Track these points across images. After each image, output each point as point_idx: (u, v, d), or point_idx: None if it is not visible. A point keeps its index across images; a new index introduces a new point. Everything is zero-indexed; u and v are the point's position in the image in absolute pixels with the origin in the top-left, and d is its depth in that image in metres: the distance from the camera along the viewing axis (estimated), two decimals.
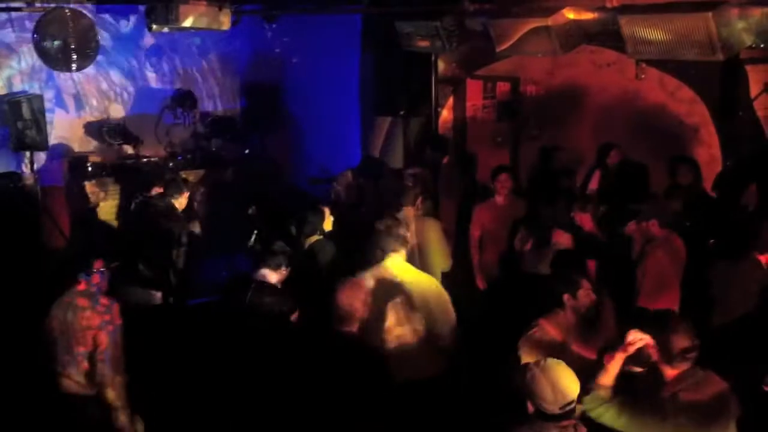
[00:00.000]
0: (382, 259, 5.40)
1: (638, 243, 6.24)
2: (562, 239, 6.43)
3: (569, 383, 3.46)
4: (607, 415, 3.68)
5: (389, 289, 5.23)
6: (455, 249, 7.26)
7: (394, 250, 5.40)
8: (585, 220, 6.44)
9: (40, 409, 5.56)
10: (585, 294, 4.69)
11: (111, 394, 5.02)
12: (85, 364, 5.07)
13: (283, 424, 4.49)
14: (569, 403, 3.44)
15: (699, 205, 7.09)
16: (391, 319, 5.17)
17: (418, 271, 5.53)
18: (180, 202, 7.63)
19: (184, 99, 10.63)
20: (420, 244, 6.49)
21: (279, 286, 5.44)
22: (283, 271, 5.47)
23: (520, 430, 3.50)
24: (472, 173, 8.87)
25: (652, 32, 5.81)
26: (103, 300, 5.17)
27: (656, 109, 8.83)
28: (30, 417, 5.68)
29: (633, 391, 3.75)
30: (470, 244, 7.42)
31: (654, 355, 3.71)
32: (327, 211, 6.44)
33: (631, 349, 3.69)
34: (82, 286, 5.21)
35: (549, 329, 4.65)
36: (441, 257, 6.64)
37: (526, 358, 4.39)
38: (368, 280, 5.21)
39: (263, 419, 4.80)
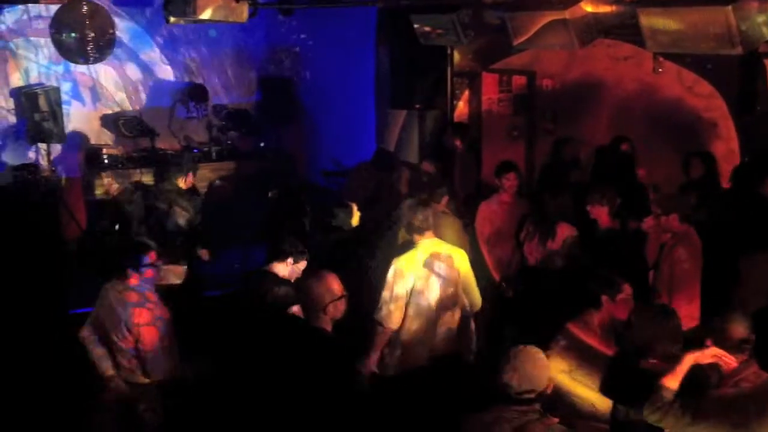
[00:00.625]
0: (414, 242, 5.40)
1: (654, 239, 6.20)
2: (567, 232, 6.40)
3: (536, 371, 3.47)
4: (670, 418, 3.60)
5: (430, 272, 5.27)
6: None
7: (423, 231, 5.38)
8: (602, 213, 6.38)
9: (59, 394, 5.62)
10: (624, 299, 4.62)
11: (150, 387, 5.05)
12: (121, 358, 5.07)
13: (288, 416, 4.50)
14: (529, 391, 3.45)
15: (713, 199, 7.03)
16: (435, 299, 5.25)
17: (449, 245, 5.52)
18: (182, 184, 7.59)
19: (196, 92, 10.65)
20: None
21: (289, 279, 5.47)
22: (290, 263, 5.48)
23: (480, 414, 3.54)
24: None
25: (670, 25, 5.76)
26: (151, 296, 5.11)
27: (674, 103, 8.77)
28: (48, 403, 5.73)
29: (692, 389, 3.69)
30: (480, 241, 7.33)
31: (726, 365, 3.67)
32: (354, 206, 6.49)
33: (706, 360, 3.67)
34: (133, 280, 5.11)
35: (577, 334, 4.59)
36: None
37: (557, 367, 4.36)
38: (403, 264, 5.25)
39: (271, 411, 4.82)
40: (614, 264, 5.92)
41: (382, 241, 6.46)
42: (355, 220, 6.46)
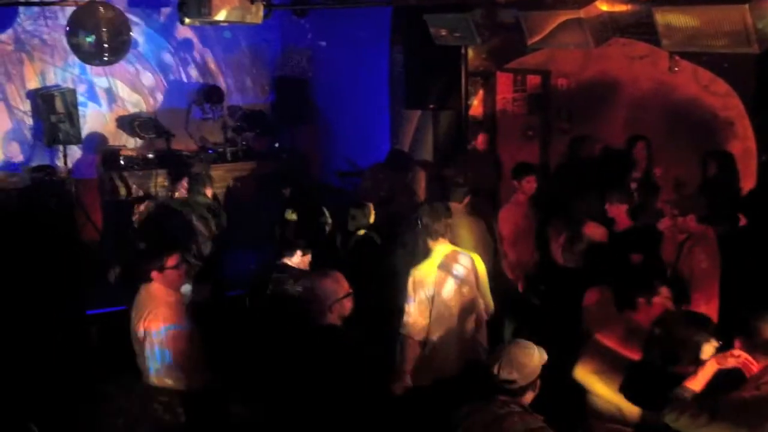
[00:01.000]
0: (429, 247, 5.40)
1: (670, 240, 6.17)
2: (596, 232, 6.35)
3: (524, 363, 3.58)
4: (685, 419, 3.56)
5: (442, 275, 5.26)
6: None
7: (439, 237, 5.38)
8: (619, 213, 6.34)
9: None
10: (661, 302, 4.55)
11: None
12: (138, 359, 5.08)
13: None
14: (513, 382, 3.55)
15: (729, 199, 6.98)
16: (455, 304, 5.26)
17: (464, 250, 5.54)
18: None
19: (211, 94, 10.69)
20: (461, 244, 6.42)
21: (301, 269, 5.53)
22: (300, 254, 5.51)
23: (468, 404, 3.68)
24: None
25: (686, 23, 5.73)
26: (172, 301, 5.09)
27: (690, 102, 8.70)
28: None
29: (716, 392, 3.65)
30: (501, 244, 7.28)
31: (748, 371, 3.64)
32: (371, 206, 6.51)
33: (730, 365, 3.64)
34: (156, 284, 5.09)
35: (605, 342, 4.54)
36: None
37: (587, 368, 4.36)
38: (420, 273, 5.26)
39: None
40: (630, 264, 5.94)
41: (399, 242, 6.45)
42: (372, 219, 6.47)
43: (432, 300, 5.20)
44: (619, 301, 4.77)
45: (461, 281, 5.30)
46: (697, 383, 3.61)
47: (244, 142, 10.72)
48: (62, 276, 8.13)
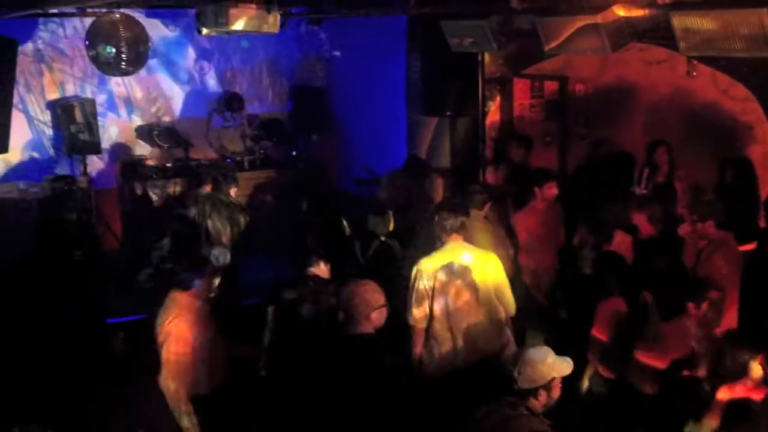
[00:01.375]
0: (442, 243, 5.43)
1: (691, 246, 6.13)
2: (619, 239, 6.32)
3: (537, 368, 3.65)
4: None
5: (451, 274, 5.30)
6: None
7: (453, 233, 5.39)
8: (641, 221, 6.30)
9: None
10: (709, 306, 4.64)
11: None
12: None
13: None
14: (525, 383, 3.62)
15: (744, 204, 6.92)
16: (454, 302, 5.29)
17: (480, 250, 5.52)
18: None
19: (232, 101, 10.73)
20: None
21: (323, 278, 5.57)
22: (322, 264, 5.54)
23: (483, 405, 3.75)
24: None
25: (703, 28, 5.70)
26: (196, 308, 5.12)
27: (708, 107, 8.65)
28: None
29: (740, 414, 3.69)
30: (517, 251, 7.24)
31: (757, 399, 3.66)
32: (390, 213, 6.52)
33: (739, 395, 3.67)
34: (191, 293, 5.12)
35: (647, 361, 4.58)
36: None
37: None
38: (424, 264, 5.30)
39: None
40: (655, 271, 5.90)
41: (412, 246, 6.46)
42: (392, 226, 6.48)
43: (432, 293, 5.25)
44: (666, 309, 4.77)
45: (470, 279, 5.30)
46: (715, 418, 3.78)
47: (261, 151, 10.75)
48: (82, 285, 8.19)
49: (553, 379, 3.69)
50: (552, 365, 3.69)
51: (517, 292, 5.73)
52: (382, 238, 6.39)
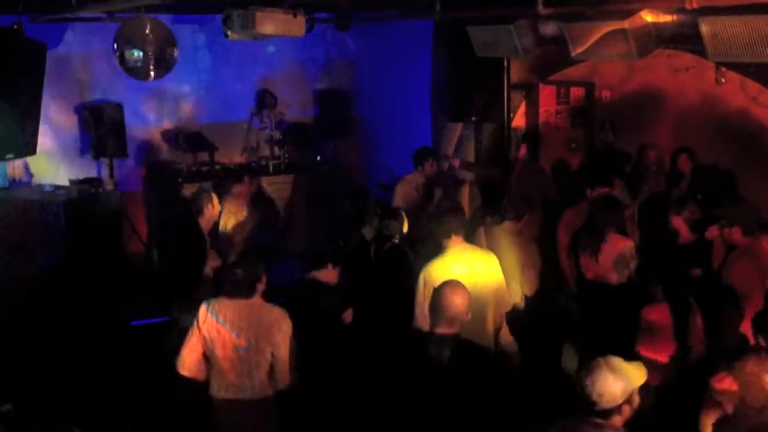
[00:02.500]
0: (443, 245, 5.43)
1: (718, 250, 6.07)
2: (621, 244, 6.29)
3: (613, 384, 3.39)
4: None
5: (453, 273, 5.18)
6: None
7: (452, 234, 5.39)
8: (681, 225, 6.26)
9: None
10: None
11: None
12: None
13: None
14: (595, 403, 3.39)
15: None
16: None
17: (480, 251, 5.54)
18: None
19: (265, 97, 10.77)
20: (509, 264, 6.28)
21: (331, 284, 5.55)
22: (330, 270, 5.54)
23: (560, 422, 3.53)
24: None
25: (733, 34, 5.64)
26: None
27: (737, 114, 8.57)
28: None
29: None
30: (559, 249, 7.18)
31: None
32: (403, 214, 6.50)
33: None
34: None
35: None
36: (517, 267, 6.45)
37: None
38: (431, 270, 5.27)
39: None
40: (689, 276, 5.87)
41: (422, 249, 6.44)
42: (406, 227, 6.45)
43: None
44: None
45: (473, 279, 5.23)
46: None
47: (286, 155, 10.79)
48: (109, 288, 8.26)
49: (634, 390, 3.47)
50: (632, 377, 3.47)
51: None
52: (395, 240, 6.34)
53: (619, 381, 3.41)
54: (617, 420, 3.42)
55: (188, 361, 5.01)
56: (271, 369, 4.95)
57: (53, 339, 7.15)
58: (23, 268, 8.18)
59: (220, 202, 7.38)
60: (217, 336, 4.93)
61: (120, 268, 8.78)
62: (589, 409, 3.40)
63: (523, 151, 9.10)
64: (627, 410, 3.43)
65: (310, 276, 5.53)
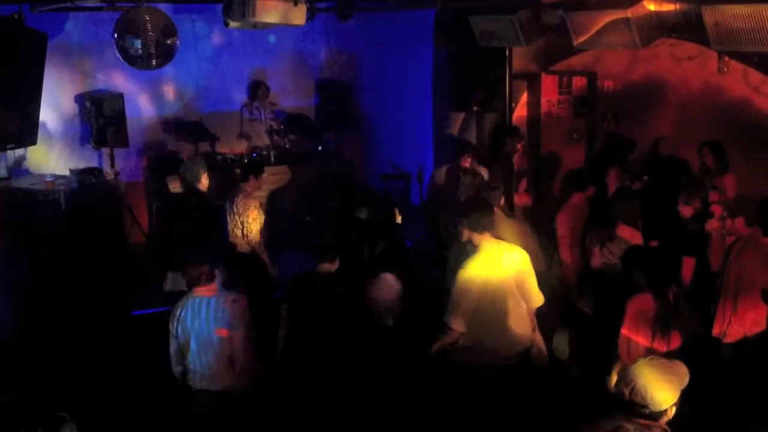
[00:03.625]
0: (474, 243, 5.34)
1: (716, 241, 6.05)
2: (629, 236, 6.27)
3: (654, 388, 3.34)
4: None
5: (489, 271, 5.22)
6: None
7: (485, 231, 5.33)
8: (689, 213, 6.24)
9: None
10: None
11: None
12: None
13: None
14: (645, 406, 3.33)
15: None
16: (497, 298, 5.22)
17: (508, 245, 5.46)
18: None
19: (257, 88, 10.74)
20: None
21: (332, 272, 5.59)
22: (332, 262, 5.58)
23: (601, 420, 3.45)
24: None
25: (736, 23, 5.62)
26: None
27: (740, 104, 8.54)
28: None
29: None
30: (560, 243, 7.13)
31: None
32: (396, 210, 6.48)
33: None
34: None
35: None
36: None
37: None
38: (469, 269, 5.21)
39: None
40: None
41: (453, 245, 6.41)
42: (398, 218, 6.44)
43: (478, 296, 5.16)
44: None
45: (507, 276, 5.24)
46: None
47: (287, 146, 10.77)
48: (110, 278, 8.25)
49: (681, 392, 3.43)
50: (680, 379, 3.42)
51: (547, 288, 5.66)
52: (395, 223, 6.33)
53: (671, 386, 3.37)
54: (663, 421, 3.38)
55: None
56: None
57: (54, 329, 7.14)
58: (24, 258, 8.17)
59: (236, 203, 7.44)
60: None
61: (121, 258, 8.77)
62: (635, 411, 3.35)
63: (519, 146, 9.04)
64: (672, 412, 3.40)
65: (323, 268, 5.53)
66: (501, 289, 5.24)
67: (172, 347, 5.18)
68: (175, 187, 8.71)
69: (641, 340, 5.11)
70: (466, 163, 8.52)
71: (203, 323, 5.07)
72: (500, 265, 5.26)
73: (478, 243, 5.31)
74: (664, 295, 5.05)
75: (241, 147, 10.78)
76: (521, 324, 5.36)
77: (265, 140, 10.76)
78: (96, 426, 5.19)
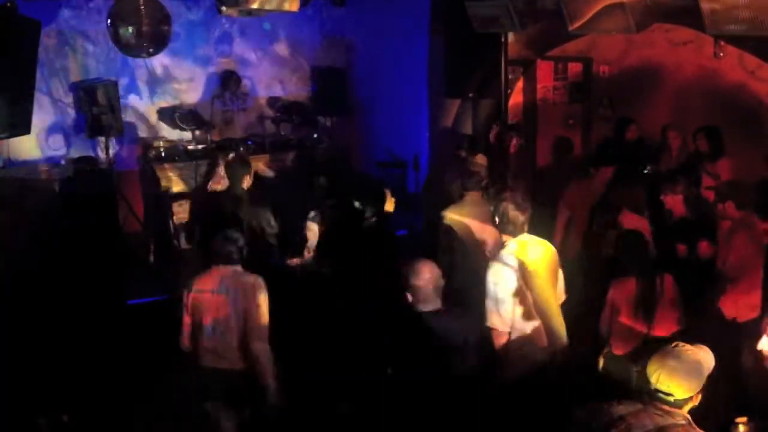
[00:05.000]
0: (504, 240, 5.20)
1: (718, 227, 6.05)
2: (633, 223, 6.25)
3: (682, 375, 3.29)
4: None
5: (524, 266, 5.07)
6: None
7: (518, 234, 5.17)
8: (676, 202, 6.21)
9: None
10: None
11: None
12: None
13: None
14: (668, 394, 3.28)
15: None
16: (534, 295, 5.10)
17: (537, 239, 5.31)
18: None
19: (228, 81, 10.66)
20: (486, 241, 6.26)
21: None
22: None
23: (620, 403, 3.41)
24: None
25: (732, 7, 5.59)
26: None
27: (735, 88, 8.53)
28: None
29: None
30: (558, 221, 7.06)
31: None
32: (388, 193, 6.43)
33: None
34: None
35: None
36: None
37: None
38: (500, 267, 5.04)
39: None
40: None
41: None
42: (389, 206, 6.39)
43: (513, 293, 4.99)
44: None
45: (541, 270, 5.12)
46: None
47: (282, 133, 10.74)
48: (105, 267, 8.22)
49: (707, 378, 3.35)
50: (706, 366, 3.34)
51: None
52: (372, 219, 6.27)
53: (697, 373, 3.31)
54: (687, 408, 3.33)
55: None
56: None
57: (49, 318, 7.12)
58: (19, 247, 8.14)
59: None
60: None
61: (116, 247, 8.74)
62: (660, 398, 3.31)
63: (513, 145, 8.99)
64: (697, 400, 3.34)
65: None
66: (536, 284, 5.08)
67: (185, 323, 5.19)
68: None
69: (625, 322, 5.13)
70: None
71: (221, 300, 5.08)
72: (532, 258, 5.11)
73: (508, 241, 5.13)
74: (651, 280, 5.06)
75: (238, 136, 10.76)
76: (560, 319, 5.26)
77: (237, 132, 10.72)
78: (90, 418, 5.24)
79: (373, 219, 6.20)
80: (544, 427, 4.77)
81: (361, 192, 6.34)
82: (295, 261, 6.40)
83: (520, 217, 5.09)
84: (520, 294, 4.98)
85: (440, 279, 4.46)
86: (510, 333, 5.02)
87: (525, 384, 5.02)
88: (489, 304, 4.99)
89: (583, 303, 5.73)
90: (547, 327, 5.12)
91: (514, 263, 4.99)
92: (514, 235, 5.09)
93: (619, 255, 5.54)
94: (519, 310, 5.00)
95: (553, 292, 5.22)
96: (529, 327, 5.05)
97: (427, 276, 4.41)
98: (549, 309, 5.15)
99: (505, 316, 4.97)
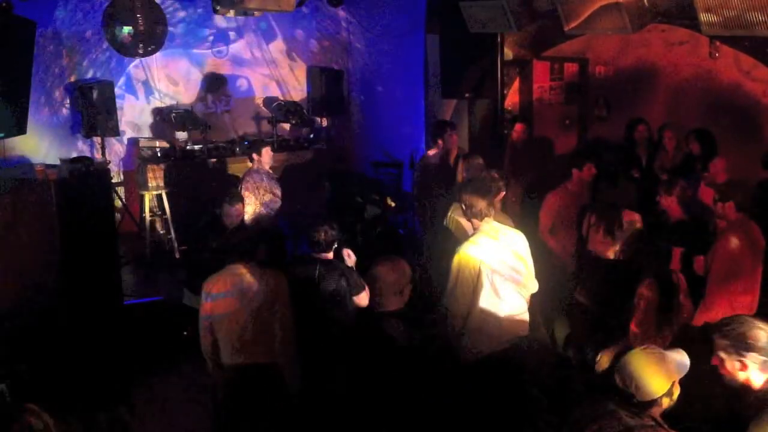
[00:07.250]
0: (474, 227, 5.31)
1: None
2: (634, 218, 6.24)
3: (648, 378, 3.32)
4: None
5: (488, 254, 5.15)
6: None
7: (485, 216, 5.26)
8: (671, 204, 6.20)
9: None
10: None
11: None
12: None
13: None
14: (631, 395, 3.32)
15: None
16: (498, 281, 5.16)
17: (508, 228, 5.42)
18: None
19: (212, 83, 10.66)
20: None
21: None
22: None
23: (592, 405, 3.45)
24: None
25: (726, 8, 5.60)
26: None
27: (731, 88, 8.54)
28: None
29: None
30: (540, 231, 7.03)
31: None
32: (388, 198, 6.45)
33: None
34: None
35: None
36: None
37: None
38: (466, 251, 5.15)
39: None
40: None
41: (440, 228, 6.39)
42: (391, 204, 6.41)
43: (477, 278, 5.08)
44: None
45: (509, 259, 5.19)
46: None
47: (279, 133, 10.74)
48: (101, 267, 8.21)
49: (674, 383, 3.36)
50: (672, 370, 3.36)
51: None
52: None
53: (659, 376, 3.33)
54: (655, 411, 3.34)
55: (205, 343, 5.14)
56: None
57: (45, 318, 7.11)
58: (14, 248, 8.12)
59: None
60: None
61: (112, 248, 8.72)
62: (626, 399, 3.34)
63: (517, 131, 9.01)
64: (666, 402, 3.35)
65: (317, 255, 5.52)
66: (500, 270, 5.16)
67: (203, 321, 5.11)
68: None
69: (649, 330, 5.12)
70: (455, 142, 8.40)
71: (242, 298, 5.05)
72: (499, 245, 5.20)
73: (477, 227, 5.26)
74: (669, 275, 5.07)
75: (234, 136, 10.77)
76: (520, 307, 5.31)
77: (229, 134, 10.73)
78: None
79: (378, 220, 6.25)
80: (501, 410, 4.82)
81: (365, 196, 6.39)
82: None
83: (479, 202, 5.19)
84: (480, 279, 5.07)
85: (403, 280, 4.56)
86: (467, 317, 5.12)
87: (483, 368, 5.11)
88: (449, 286, 5.14)
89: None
90: (510, 314, 5.19)
91: (478, 250, 5.09)
92: (479, 219, 5.20)
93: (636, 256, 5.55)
94: (479, 295, 5.09)
95: (521, 280, 5.25)
96: (488, 312, 5.12)
97: (389, 278, 4.52)
98: (511, 296, 5.20)
99: (462, 300, 5.08)
